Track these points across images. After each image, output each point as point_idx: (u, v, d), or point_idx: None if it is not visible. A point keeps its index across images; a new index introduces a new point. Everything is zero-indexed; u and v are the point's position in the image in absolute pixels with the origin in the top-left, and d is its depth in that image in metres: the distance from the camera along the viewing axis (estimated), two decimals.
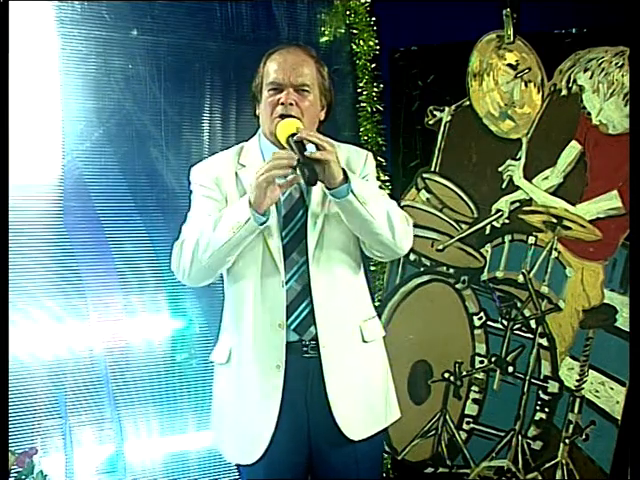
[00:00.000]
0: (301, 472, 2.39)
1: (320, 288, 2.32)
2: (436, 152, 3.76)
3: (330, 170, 2.18)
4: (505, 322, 3.61)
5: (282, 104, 2.30)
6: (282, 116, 2.30)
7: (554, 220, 3.49)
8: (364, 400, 2.39)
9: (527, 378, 3.55)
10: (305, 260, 2.32)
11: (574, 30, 3.41)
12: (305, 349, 2.32)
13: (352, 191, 2.21)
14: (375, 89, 3.90)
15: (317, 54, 2.41)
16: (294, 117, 2.29)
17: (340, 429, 2.31)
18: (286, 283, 2.31)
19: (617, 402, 3.30)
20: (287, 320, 2.31)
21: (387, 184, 3.83)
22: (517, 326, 3.59)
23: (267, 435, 2.31)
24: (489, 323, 3.65)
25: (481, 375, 3.67)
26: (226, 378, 2.42)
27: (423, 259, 3.77)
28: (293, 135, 2.21)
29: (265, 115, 2.35)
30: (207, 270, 2.31)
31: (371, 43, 3.85)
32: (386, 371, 2.51)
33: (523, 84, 3.55)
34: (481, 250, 3.65)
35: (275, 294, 2.31)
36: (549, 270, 3.50)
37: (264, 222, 2.23)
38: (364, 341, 2.40)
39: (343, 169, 2.22)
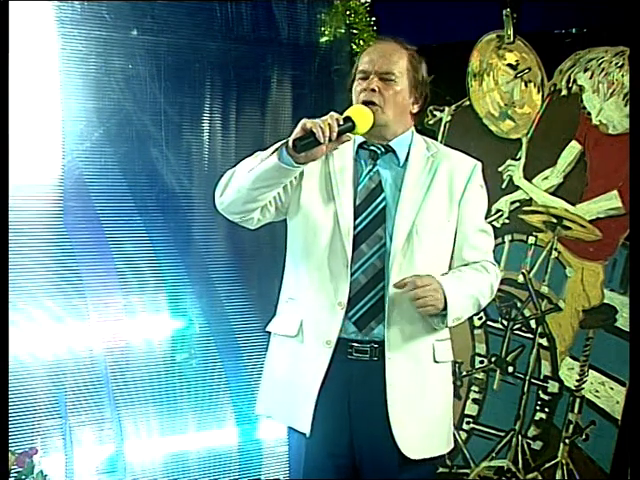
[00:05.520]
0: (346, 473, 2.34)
1: (399, 299, 2.26)
2: None
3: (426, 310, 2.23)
4: (505, 322, 3.61)
5: (365, 90, 2.27)
6: (365, 103, 2.26)
7: (554, 220, 3.49)
8: (427, 422, 2.32)
9: (527, 378, 3.55)
10: (373, 253, 2.27)
11: (574, 30, 3.41)
12: (350, 350, 2.27)
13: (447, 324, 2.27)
14: None
15: (414, 47, 2.37)
16: (375, 104, 2.25)
17: (398, 446, 2.25)
18: (352, 275, 2.27)
19: (617, 402, 3.30)
20: (347, 313, 2.26)
21: None
22: (517, 326, 3.59)
23: (309, 411, 2.26)
24: (489, 323, 3.64)
25: (481, 375, 3.67)
26: (292, 349, 2.35)
27: None
28: (347, 118, 2.17)
29: (354, 103, 2.30)
30: (235, 197, 2.25)
31: (371, 43, 3.83)
32: (451, 397, 2.43)
33: (523, 84, 3.55)
34: None
35: (341, 282, 2.26)
36: (549, 270, 3.50)
37: (288, 164, 2.15)
38: (435, 361, 2.33)
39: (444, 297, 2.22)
